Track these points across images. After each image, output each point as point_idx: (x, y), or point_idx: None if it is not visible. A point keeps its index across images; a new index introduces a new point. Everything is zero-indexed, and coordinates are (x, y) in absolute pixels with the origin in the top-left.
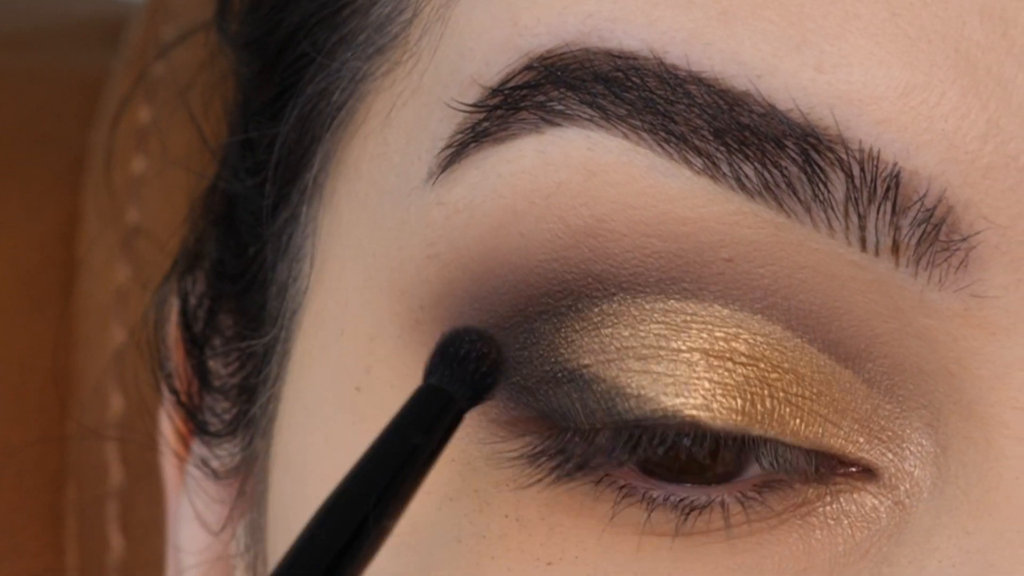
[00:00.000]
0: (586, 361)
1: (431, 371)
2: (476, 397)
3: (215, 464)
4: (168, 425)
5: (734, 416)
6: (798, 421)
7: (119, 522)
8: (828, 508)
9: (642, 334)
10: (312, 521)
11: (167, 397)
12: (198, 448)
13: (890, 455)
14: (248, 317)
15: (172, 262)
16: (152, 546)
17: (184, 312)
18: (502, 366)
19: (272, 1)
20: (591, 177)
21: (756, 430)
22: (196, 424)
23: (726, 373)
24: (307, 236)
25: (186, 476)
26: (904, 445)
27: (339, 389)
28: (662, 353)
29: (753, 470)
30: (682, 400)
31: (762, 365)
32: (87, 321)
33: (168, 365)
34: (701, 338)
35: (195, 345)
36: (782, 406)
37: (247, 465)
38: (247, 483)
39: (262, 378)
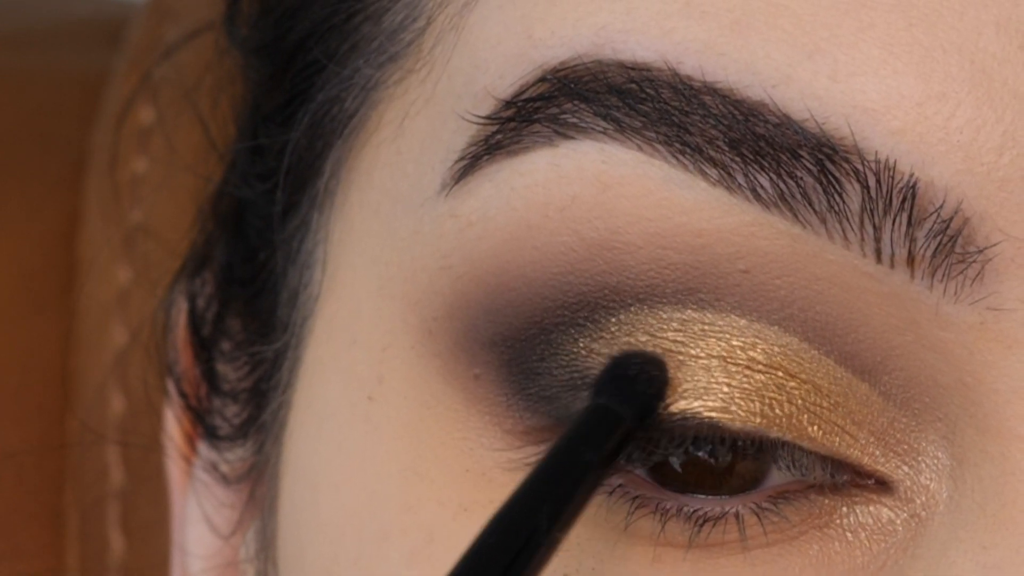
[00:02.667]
0: None
1: (601, 390)
2: (643, 418)
3: (224, 468)
4: (175, 427)
5: (753, 418)
6: (816, 428)
7: (120, 523)
8: (845, 520)
9: (659, 342)
10: (485, 530)
11: (175, 400)
12: (206, 452)
13: (906, 468)
14: (258, 322)
15: (181, 263)
16: (153, 547)
17: (192, 315)
18: (668, 389)
19: (283, 7)
20: (606, 190)
21: (774, 433)
22: (204, 428)
23: (744, 379)
24: (318, 243)
25: (193, 479)
26: (920, 458)
27: (351, 398)
28: (679, 359)
29: (768, 482)
30: (700, 403)
31: (780, 374)
32: (88, 322)
33: (176, 368)
34: (719, 347)
35: (203, 348)
36: (800, 413)
37: (257, 470)
38: (257, 488)
39: (272, 384)
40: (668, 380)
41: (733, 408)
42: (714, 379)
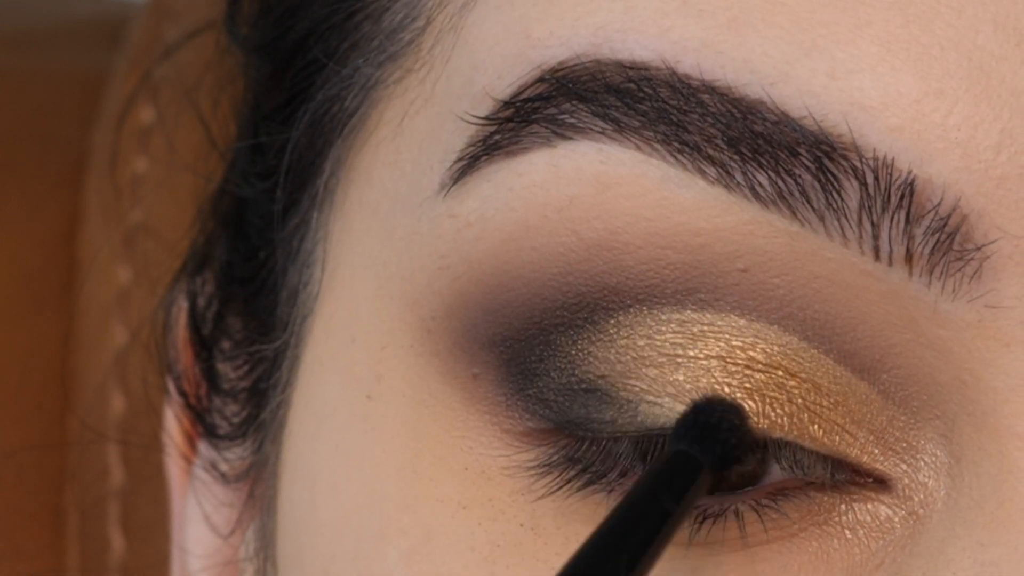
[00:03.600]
0: (603, 372)
1: (681, 436)
2: (723, 466)
3: (224, 467)
4: (175, 426)
5: (755, 419)
6: (817, 427)
7: (120, 523)
8: (844, 518)
9: (658, 344)
10: (564, 569)
11: (175, 399)
12: (206, 451)
13: (904, 466)
14: (258, 321)
15: (181, 263)
16: (153, 547)
17: (193, 314)
18: (750, 438)
19: (283, 6)
20: (604, 190)
21: (776, 433)
22: (204, 427)
23: (744, 379)
24: (318, 242)
25: (192, 478)
26: (918, 456)
27: (350, 397)
28: (679, 361)
29: (767, 479)
30: None
31: (779, 373)
32: (88, 322)
33: (176, 367)
34: (718, 347)
35: (204, 347)
36: (801, 412)
37: (257, 469)
38: (257, 487)
39: (272, 383)
40: (749, 429)
41: None
42: (714, 379)
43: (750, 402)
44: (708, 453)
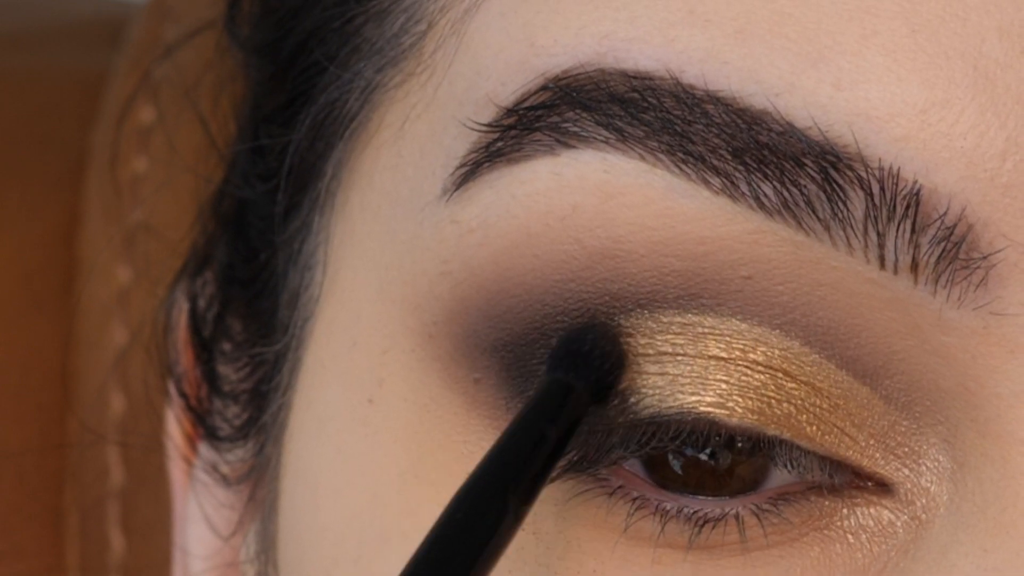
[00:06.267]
0: None
1: (556, 365)
2: (600, 392)
3: (225, 469)
4: (175, 427)
5: (750, 415)
6: (814, 428)
7: (120, 523)
8: (846, 522)
9: (658, 343)
10: (452, 506)
11: (176, 400)
12: (207, 452)
13: (906, 471)
14: (259, 323)
15: (182, 263)
16: (153, 547)
17: (193, 315)
18: (624, 366)
19: (285, 7)
20: (607, 199)
21: (771, 430)
22: (205, 429)
23: (743, 377)
24: (319, 244)
25: (193, 480)
26: (921, 461)
27: (351, 400)
28: (679, 358)
29: (768, 483)
30: (697, 398)
31: (780, 375)
32: (88, 322)
33: (177, 368)
34: (718, 348)
35: (204, 349)
36: (799, 412)
37: (258, 472)
38: (257, 489)
39: (273, 385)
40: (624, 354)
41: (730, 404)
42: (712, 376)
43: (746, 400)
44: (583, 379)
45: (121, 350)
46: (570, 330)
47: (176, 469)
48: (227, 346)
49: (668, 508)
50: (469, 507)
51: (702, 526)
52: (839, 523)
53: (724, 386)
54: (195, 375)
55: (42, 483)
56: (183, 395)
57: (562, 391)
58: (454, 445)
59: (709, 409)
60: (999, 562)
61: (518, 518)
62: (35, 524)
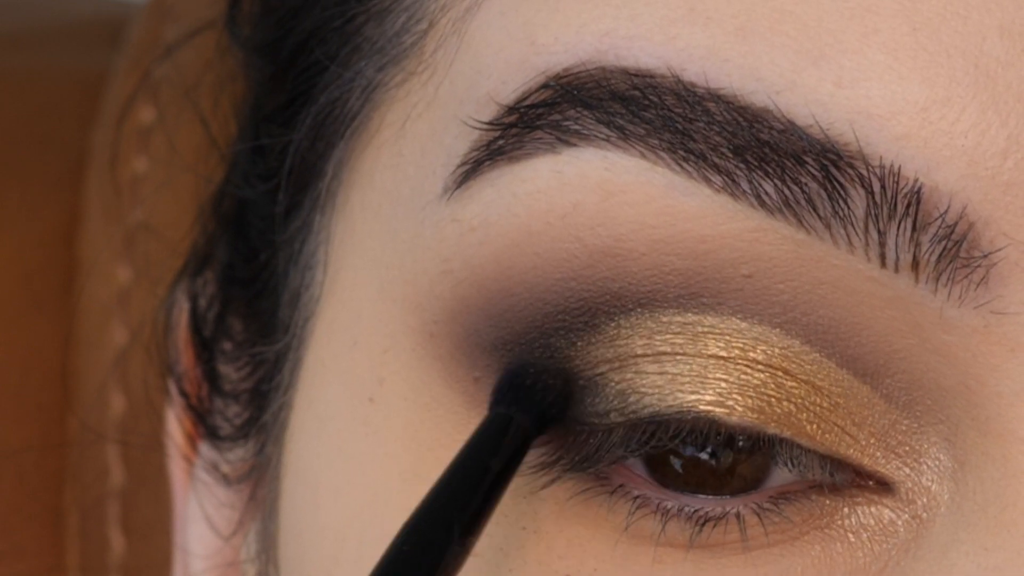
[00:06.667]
0: (601, 369)
1: (499, 399)
2: (542, 425)
3: (225, 469)
4: (176, 427)
5: (750, 414)
6: (815, 427)
7: (120, 523)
8: (847, 521)
9: (657, 343)
10: (398, 539)
11: (176, 400)
12: (207, 452)
13: (907, 469)
14: (259, 323)
15: (182, 263)
16: (154, 546)
17: (194, 314)
18: (569, 398)
19: (285, 7)
20: (608, 197)
21: (772, 429)
22: (206, 428)
23: (743, 376)
24: (320, 244)
25: (194, 479)
26: (921, 460)
27: (352, 400)
28: (678, 357)
29: (769, 482)
30: (697, 396)
31: (780, 374)
32: (88, 322)
33: (177, 368)
34: (717, 347)
35: (205, 348)
36: (799, 411)
37: (258, 471)
38: (258, 489)
39: (274, 385)
40: (569, 391)
41: (730, 402)
42: (711, 375)
43: (746, 398)
44: (526, 413)
45: (121, 350)
46: (511, 365)
47: (177, 469)
48: (228, 346)
49: (669, 507)
50: (416, 539)
51: (703, 525)
52: (840, 522)
53: (724, 385)
54: (196, 375)
55: (42, 483)
56: (183, 394)
57: (503, 424)
58: (455, 444)
59: (709, 408)
60: (1000, 561)
61: (464, 548)
62: (35, 524)
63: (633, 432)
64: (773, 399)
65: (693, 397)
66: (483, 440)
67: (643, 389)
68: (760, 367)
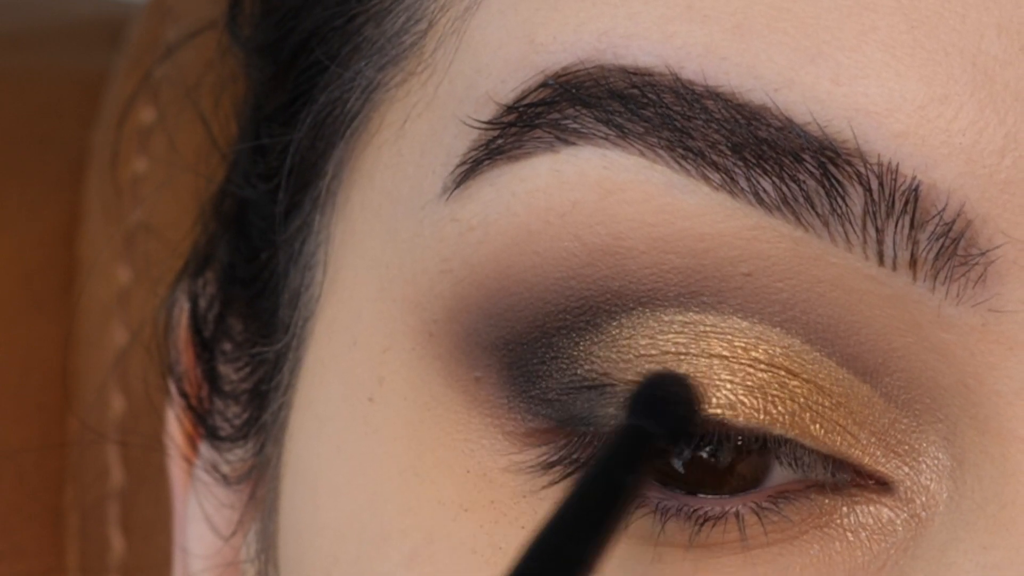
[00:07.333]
0: (605, 369)
1: (633, 410)
2: (676, 437)
3: (225, 469)
4: (176, 427)
5: (756, 415)
6: (818, 427)
7: (120, 523)
8: (846, 520)
9: (661, 343)
10: (527, 555)
11: (176, 400)
12: (207, 452)
13: (906, 468)
14: (259, 323)
15: (183, 264)
16: (153, 547)
17: (194, 315)
18: (699, 407)
19: (285, 7)
20: (607, 196)
21: (777, 430)
22: (206, 428)
23: (746, 376)
24: (320, 244)
25: (194, 479)
26: (920, 459)
27: (351, 399)
28: (681, 358)
29: (768, 481)
30: (704, 399)
31: (782, 373)
32: (88, 322)
33: (177, 368)
34: (720, 346)
35: (205, 349)
36: (803, 411)
37: (258, 471)
38: (258, 489)
39: (273, 385)
40: (699, 399)
41: (737, 405)
42: (716, 376)
43: (751, 399)
44: (660, 425)
45: (121, 350)
46: (646, 376)
47: (176, 469)
48: (228, 346)
49: (669, 507)
50: (545, 559)
51: (703, 524)
52: (839, 521)
53: (729, 386)
54: (196, 375)
55: (42, 483)
56: (183, 395)
57: (640, 438)
58: (455, 443)
59: (717, 411)
60: (998, 559)
61: (592, 570)
62: (35, 524)
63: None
64: (777, 399)
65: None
66: (618, 454)
67: None
68: (763, 366)
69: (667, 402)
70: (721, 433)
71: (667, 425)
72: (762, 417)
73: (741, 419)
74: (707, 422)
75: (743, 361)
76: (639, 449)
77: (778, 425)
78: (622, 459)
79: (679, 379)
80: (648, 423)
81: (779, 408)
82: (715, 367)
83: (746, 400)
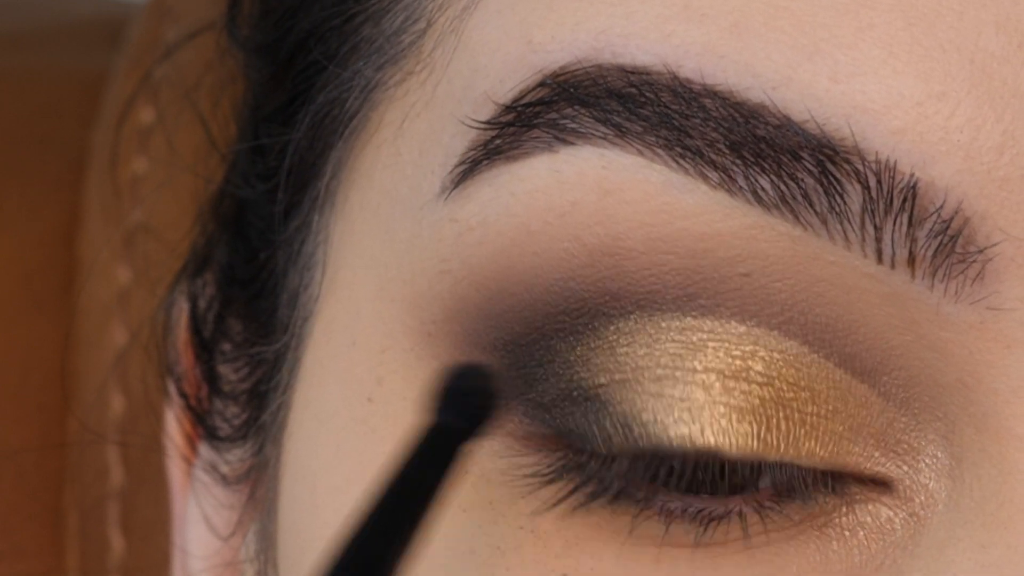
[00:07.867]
0: (601, 380)
1: (440, 408)
2: (477, 432)
3: (224, 469)
4: (175, 427)
5: (750, 442)
6: (813, 442)
7: (120, 523)
8: (844, 519)
9: (658, 353)
10: (338, 558)
11: (175, 400)
12: (206, 452)
13: (905, 467)
14: (258, 323)
15: (182, 264)
16: (153, 547)
17: (194, 315)
18: (498, 399)
19: (283, 7)
20: (606, 196)
21: (772, 456)
22: (205, 429)
23: (742, 396)
24: (319, 244)
25: (193, 479)
26: (919, 457)
27: (350, 399)
28: (678, 374)
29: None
30: (698, 427)
31: (778, 384)
32: (88, 322)
33: (177, 368)
34: (717, 357)
35: (204, 349)
36: (797, 427)
37: (257, 471)
38: (257, 489)
39: (272, 385)
40: (498, 390)
41: (731, 433)
42: (711, 398)
43: (747, 424)
44: (466, 420)
45: (121, 350)
46: (445, 370)
47: (175, 469)
48: (227, 346)
49: (673, 508)
50: (355, 563)
51: (707, 525)
52: (837, 520)
53: (723, 409)
54: (195, 375)
55: (42, 483)
56: (183, 395)
57: (448, 437)
58: None
59: (711, 440)
60: (997, 558)
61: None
62: (35, 524)
63: (636, 465)
64: (772, 420)
65: (695, 427)
66: (423, 456)
67: (643, 416)
68: (760, 379)
69: (466, 395)
70: (716, 462)
71: (468, 419)
72: (755, 445)
73: (735, 450)
74: (700, 452)
75: (739, 374)
76: (441, 446)
77: (772, 451)
78: (424, 458)
79: (478, 370)
80: (449, 419)
81: (773, 432)
82: (712, 385)
83: (740, 427)
